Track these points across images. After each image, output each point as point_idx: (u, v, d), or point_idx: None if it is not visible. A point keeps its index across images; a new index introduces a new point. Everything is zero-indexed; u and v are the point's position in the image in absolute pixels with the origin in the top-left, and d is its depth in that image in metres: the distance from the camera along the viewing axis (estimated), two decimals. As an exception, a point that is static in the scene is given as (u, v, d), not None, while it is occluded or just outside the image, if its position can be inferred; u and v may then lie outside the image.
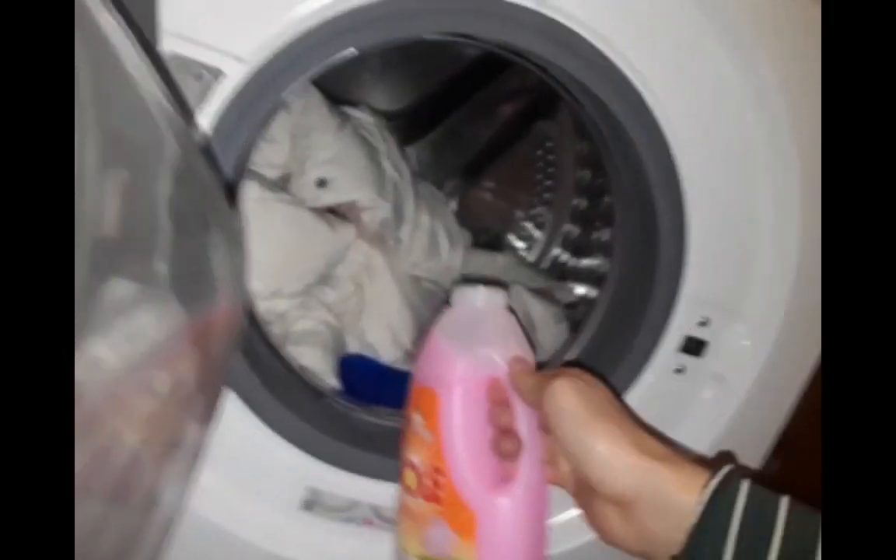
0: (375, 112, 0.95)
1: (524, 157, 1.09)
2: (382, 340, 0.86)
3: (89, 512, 0.34)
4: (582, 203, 1.09)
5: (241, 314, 0.51)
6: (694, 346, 0.68)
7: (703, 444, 0.71)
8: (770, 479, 0.42)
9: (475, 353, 0.54)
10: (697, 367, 0.69)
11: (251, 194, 0.75)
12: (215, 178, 0.49)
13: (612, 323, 0.76)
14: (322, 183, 0.83)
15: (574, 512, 0.50)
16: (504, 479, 0.52)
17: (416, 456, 0.55)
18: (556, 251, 1.12)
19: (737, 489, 0.41)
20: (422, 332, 0.86)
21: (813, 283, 0.65)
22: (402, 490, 0.56)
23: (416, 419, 0.55)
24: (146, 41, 0.49)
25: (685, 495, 0.42)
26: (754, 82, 0.61)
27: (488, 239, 1.09)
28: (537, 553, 0.53)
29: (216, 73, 0.52)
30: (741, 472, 0.43)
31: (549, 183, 1.11)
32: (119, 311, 0.34)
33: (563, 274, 1.09)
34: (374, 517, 0.68)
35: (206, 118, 0.53)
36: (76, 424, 0.30)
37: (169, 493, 0.43)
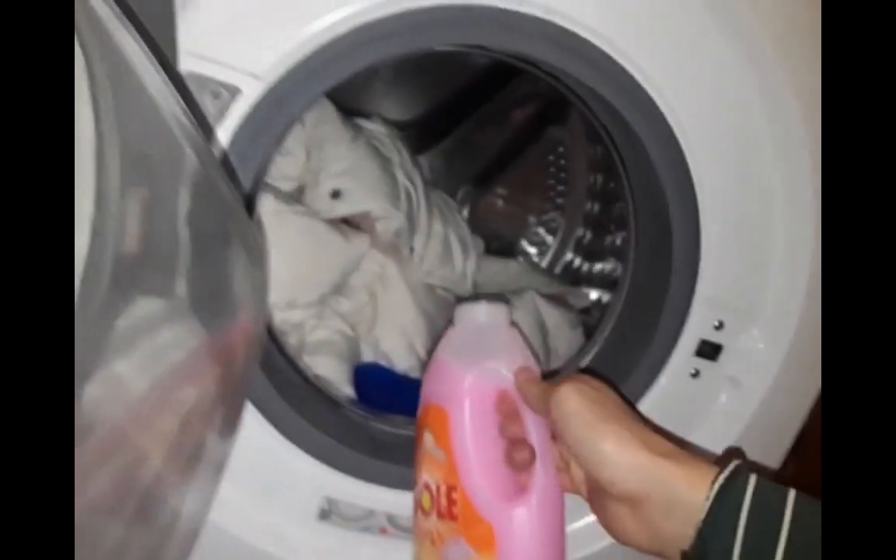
0: (387, 122, 0.96)
1: (536, 162, 1.09)
2: (397, 349, 0.87)
3: (114, 534, 0.34)
4: (595, 207, 1.09)
5: (262, 328, 0.52)
6: (709, 350, 0.68)
7: (719, 449, 0.70)
8: (786, 481, 0.42)
9: (481, 366, 0.54)
10: (713, 371, 0.69)
11: (266, 207, 0.76)
12: (236, 194, 0.50)
13: (626, 327, 0.76)
14: (336, 194, 0.84)
15: (590, 518, 0.50)
16: (519, 490, 0.52)
17: (429, 476, 0.55)
18: (569, 256, 1.12)
19: (744, 484, 0.41)
20: (436, 340, 0.86)
21: (828, 286, 0.65)
22: (416, 513, 0.56)
23: (427, 439, 0.55)
24: (165, 61, 0.49)
25: (693, 492, 0.42)
26: (767, 86, 0.61)
27: (501, 245, 1.09)
28: (557, 560, 0.53)
29: (233, 91, 0.53)
30: (748, 466, 0.43)
31: (561, 188, 1.11)
32: (141, 329, 0.34)
33: (576, 279, 1.09)
34: (390, 526, 0.68)
35: (224, 134, 0.54)
36: (99, 446, 0.30)
37: (191, 508, 0.43)
